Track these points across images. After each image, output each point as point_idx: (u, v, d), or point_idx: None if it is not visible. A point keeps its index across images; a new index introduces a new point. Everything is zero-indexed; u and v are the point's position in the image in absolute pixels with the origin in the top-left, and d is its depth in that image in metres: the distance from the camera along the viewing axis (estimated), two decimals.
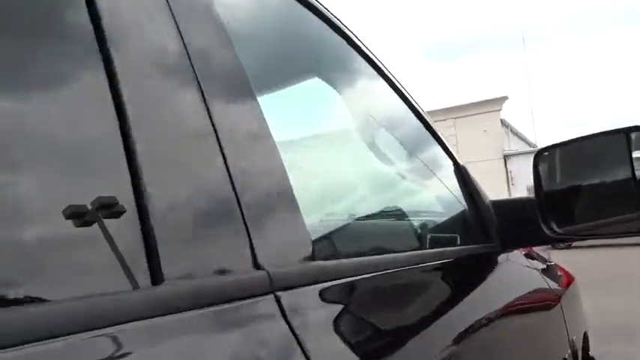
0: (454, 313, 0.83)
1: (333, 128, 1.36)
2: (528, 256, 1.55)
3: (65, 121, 0.40)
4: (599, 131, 1.16)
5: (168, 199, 0.44)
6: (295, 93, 1.35)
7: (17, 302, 0.32)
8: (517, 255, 1.40)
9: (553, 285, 1.51)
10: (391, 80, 1.21)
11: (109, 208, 0.39)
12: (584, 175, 1.18)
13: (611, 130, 1.16)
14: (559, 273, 1.70)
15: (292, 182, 0.58)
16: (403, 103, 1.24)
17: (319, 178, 1.00)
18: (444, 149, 1.31)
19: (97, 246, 0.38)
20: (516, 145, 23.82)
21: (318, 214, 0.88)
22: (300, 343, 0.46)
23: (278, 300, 0.48)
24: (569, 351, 1.44)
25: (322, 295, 0.55)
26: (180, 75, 0.50)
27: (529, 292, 1.27)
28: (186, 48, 0.51)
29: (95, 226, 0.37)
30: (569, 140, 1.20)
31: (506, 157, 21.62)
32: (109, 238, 0.39)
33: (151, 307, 0.38)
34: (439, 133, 1.30)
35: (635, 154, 1.13)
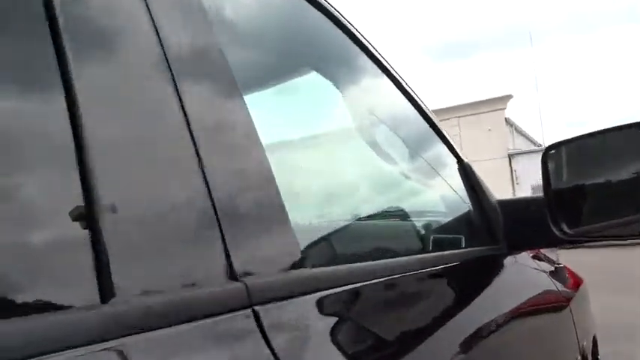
0: (459, 323, 0.77)
1: (330, 126, 1.30)
2: (536, 257, 1.49)
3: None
4: (612, 126, 1.09)
5: (129, 202, 0.38)
6: (292, 89, 1.30)
7: None
8: (524, 257, 1.34)
9: (562, 288, 1.45)
10: (391, 74, 1.15)
11: (70, 215, 0.34)
12: (596, 173, 1.12)
13: (625, 125, 1.09)
14: (568, 275, 1.64)
15: (281, 183, 0.52)
16: (403, 98, 1.18)
17: (313, 178, 0.94)
18: (447, 146, 1.25)
19: (51, 258, 0.33)
20: (521, 144, 23.70)
21: (310, 217, 0.82)
22: None
23: (257, 315, 0.42)
24: (579, 357, 1.38)
25: (309, 308, 0.49)
26: (154, 70, 0.45)
27: (538, 297, 1.20)
28: (160, 40, 0.45)
29: (53, 236, 0.33)
30: (579, 136, 1.13)
31: (510, 156, 21.48)
32: (63, 249, 0.34)
33: (108, 327, 0.33)
34: (442, 130, 1.24)
35: None
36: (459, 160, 1.26)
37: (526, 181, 20.66)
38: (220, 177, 0.45)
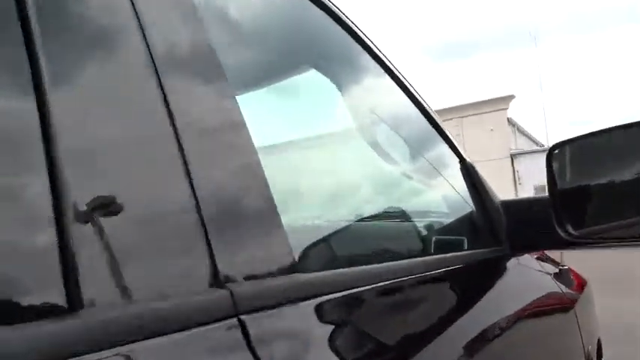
0: (462, 329, 0.74)
1: (329, 125, 1.27)
2: (539, 258, 1.46)
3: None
4: (619, 124, 1.05)
5: (108, 206, 0.35)
6: (292, 88, 1.27)
7: None
8: (528, 259, 1.31)
9: (567, 291, 1.41)
10: (392, 72, 1.12)
11: (45, 221, 0.32)
12: (603, 172, 1.08)
13: (632, 123, 1.06)
14: (572, 277, 1.60)
15: (275, 184, 0.49)
16: (405, 97, 1.15)
17: (310, 178, 0.91)
18: (449, 146, 1.21)
19: (20, 264, 0.30)
20: (523, 145, 23.63)
21: (305, 219, 0.79)
22: None
23: (243, 325, 0.39)
24: None
25: (302, 316, 0.46)
26: (139, 63, 0.42)
27: (542, 300, 1.17)
28: (152, 38, 0.42)
29: (25, 242, 0.31)
30: (585, 135, 1.10)
31: (513, 157, 21.42)
32: (35, 255, 0.31)
33: (81, 339, 0.30)
34: (444, 129, 1.21)
35: None
36: (462, 160, 1.23)
37: (528, 182, 20.59)
38: (206, 177, 0.42)
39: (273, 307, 0.42)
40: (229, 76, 0.52)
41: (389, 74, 1.12)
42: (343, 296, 0.54)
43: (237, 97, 0.54)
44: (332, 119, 1.29)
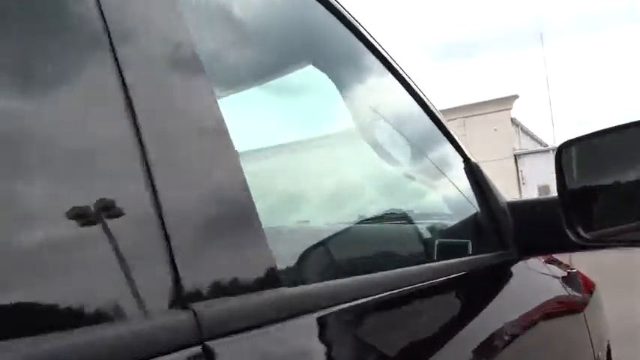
0: (469, 341, 0.68)
1: (326, 124, 1.22)
2: (547, 261, 1.40)
3: None
4: (631, 121, 1.00)
5: (57, 213, 0.30)
6: (290, 87, 1.23)
7: None
8: (536, 262, 1.25)
9: (576, 296, 1.36)
10: (393, 70, 1.07)
11: None
12: (615, 171, 1.02)
13: None
14: (581, 281, 1.54)
15: (256, 188, 0.44)
16: (407, 95, 1.09)
17: (301, 180, 0.85)
18: (453, 145, 1.16)
19: None
20: (527, 145, 23.50)
21: (293, 224, 0.73)
22: None
23: (209, 354, 0.32)
24: None
25: (285, 340, 0.39)
26: (99, 61, 0.37)
27: (552, 308, 1.11)
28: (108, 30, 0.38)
29: None
30: (597, 132, 1.04)
31: (516, 157, 21.30)
32: None
33: None
34: (447, 127, 1.15)
35: None
36: (466, 160, 1.18)
37: (532, 182, 20.46)
38: (171, 180, 0.36)
39: (248, 329, 0.36)
40: (219, 75, 0.48)
41: (390, 71, 1.07)
42: (336, 312, 0.47)
43: (229, 96, 0.50)
44: (331, 118, 1.24)
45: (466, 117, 21.18)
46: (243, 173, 0.43)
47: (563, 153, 1.04)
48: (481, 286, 0.91)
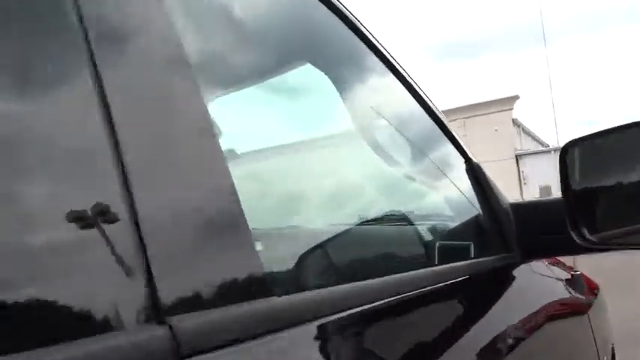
0: (472, 350, 0.65)
1: (324, 124, 1.19)
2: (551, 263, 1.37)
3: None
4: (638, 120, 0.97)
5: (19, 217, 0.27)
6: (288, 86, 1.20)
7: None
8: (539, 265, 1.22)
9: (580, 299, 1.33)
10: (393, 68, 1.04)
11: None
12: (622, 171, 0.99)
13: None
14: (585, 283, 1.51)
15: (251, 188, 0.41)
16: (405, 93, 1.07)
17: (299, 182, 0.82)
18: (454, 145, 1.13)
19: None
20: (528, 145, 23.46)
21: (285, 228, 0.70)
22: None
23: None
24: None
25: (273, 354, 0.36)
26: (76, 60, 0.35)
27: (556, 313, 1.08)
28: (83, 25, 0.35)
29: None
30: (602, 131, 1.01)
31: (518, 157, 21.26)
32: None
33: None
34: (448, 126, 1.12)
35: None
36: (467, 160, 1.15)
37: (534, 182, 20.41)
38: (148, 184, 0.33)
39: (233, 344, 0.33)
40: (213, 75, 0.46)
41: (389, 69, 1.04)
42: (332, 322, 0.44)
43: (225, 96, 0.47)
44: (329, 118, 1.21)
45: (467, 117, 21.15)
46: (230, 175, 0.40)
47: (568, 153, 1.01)
48: (484, 291, 0.88)
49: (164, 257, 0.32)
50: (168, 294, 0.31)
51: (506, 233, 1.09)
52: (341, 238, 0.83)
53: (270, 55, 1.04)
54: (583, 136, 1.04)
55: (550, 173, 20.60)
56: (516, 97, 22.11)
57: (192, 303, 0.32)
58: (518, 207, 1.14)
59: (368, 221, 1.04)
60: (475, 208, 1.12)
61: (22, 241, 0.27)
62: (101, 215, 0.30)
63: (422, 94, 1.07)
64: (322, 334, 0.43)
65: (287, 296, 0.42)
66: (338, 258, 0.73)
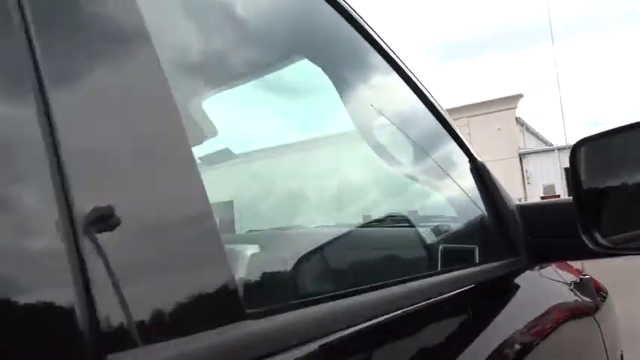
0: None
1: (323, 123, 1.14)
2: (558, 266, 1.31)
3: None
4: None
5: None
6: (287, 84, 1.15)
7: None
8: (547, 269, 1.17)
9: (590, 304, 1.27)
10: (396, 65, 0.99)
11: None
12: (636, 171, 0.93)
13: None
14: (594, 287, 1.45)
15: (238, 190, 0.36)
16: (407, 89, 1.01)
17: (292, 182, 0.76)
18: (458, 144, 1.08)
19: None
20: (532, 144, 23.35)
21: (266, 236, 0.64)
22: None
23: None
24: None
25: None
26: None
27: (565, 321, 1.02)
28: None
29: None
30: (615, 129, 0.95)
31: (521, 156, 21.16)
32: None
33: None
34: (453, 125, 1.07)
35: None
36: (472, 160, 1.09)
37: (537, 181, 20.33)
38: (88, 192, 0.28)
39: None
40: (202, 72, 0.41)
41: (392, 66, 0.99)
42: (326, 344, 0.38)
43: (216, 94, 0.42)
44: (329, 117, 1.16)
45: (470, 116, 21.06)
46: (201, 183, 0.35)
47: (578, 152, 0.95)
48: (491, 301, 0.82)
49: (105, 282, 0.26)
50: (109, 326, 0.25)
51: (512, 236, 1.03)
52: (338, 243, 0.77)
53: (272, 54, 1.00)
54: (594, 135, 0.98)
55: (554, 172, 20.52)
56: (520, 96, 22.01)
57: (137, 336, 0.27)
58: (525, 208, 1.08)
59: (367, 224, 0.98)
60: (480, 210, 1.06)
61: None
62: (34, 225, 0.25)
63: (424, 91, 1.02)
64: None
65: (266, 318, 0.36)
66: (334, 265, 0.67)
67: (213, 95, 1.09)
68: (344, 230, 0.81)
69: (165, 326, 0.28)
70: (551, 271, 1.21)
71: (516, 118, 22.04)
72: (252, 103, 1.14)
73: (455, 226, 1.14)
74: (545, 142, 25.42)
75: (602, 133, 0.98)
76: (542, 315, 0.94)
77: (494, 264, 0.94)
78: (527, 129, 23.68)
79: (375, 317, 0.47)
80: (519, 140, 21.96)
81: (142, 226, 0.30)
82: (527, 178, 20.86)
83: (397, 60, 1.00)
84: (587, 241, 0.92)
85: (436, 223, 1.13)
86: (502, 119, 21.36)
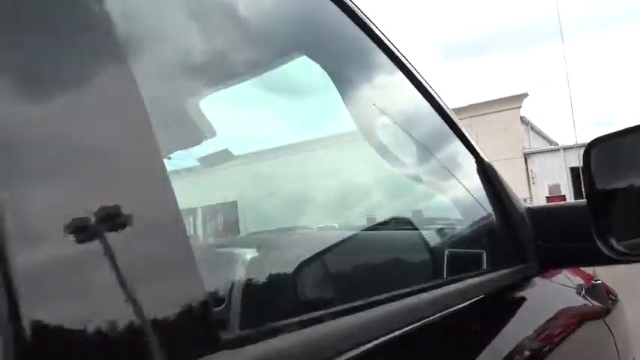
0: None
1: (322, 123, 1.09)
2: (568, 271, 1.26)
3: None
4: None
5: None
6: (286, 83, 1.11)
7: None
8: (558, 275, 1.11)
9: (602, 310, 1.22)
10: (398, 61, 0.94)
11: None
12: None
13: None
14: (606, 293, 1.40)
15: (233, 190, 0.31)
16: (411, 87, 0.96)
17: (292, 184, 0.72)
18: (464, 144, 1.03)
19: None
20: (537, 144, 23.23)
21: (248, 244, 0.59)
22: None
23: None
24: None
25: None
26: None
27: (579, 331, 0.97)
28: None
29: None
30: (631, 128, 0.90)
31: (526, 156, 21.06)
32: None
33: None
34: (458, 124, 1.02)
35: None
36: (479, 161, 1.04)
37: (542, 181, 20.22)
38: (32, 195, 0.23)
39: None
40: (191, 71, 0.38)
41: (395, 64, 0.94)
42: None
43: (213, 93, 0.38)
44: (331, 117, 1.12)
45: (475, 116, 20.98)
46: (169, 188, 0.30)
47: (592, 152, 0.90)
48: (499, 313, 0.76)
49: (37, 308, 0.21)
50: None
51: (522, 241, 0.98)
52: (338, 249, 0.73)
53: (271, 51, 0.96)
54: (607, 134, 0.93)
55: (559, 172, 20.42)
56: (525, 95, 21.91)
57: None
58: (535, 211, 1.03)
59: (370, 228, 0.94)
60: (488, 213, 1.01)
61: None
62: None
63: (429, 90, 0.97)
64: None
65: (244, 347, 0.31)
66: (330, 279, 0.61)
67: (211, 94, 1.05)
68: (342, 237, 0.76)
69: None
70: (562, 276, 1.16)
71: (521, 118, 21.94)
72: (250, 102, 1.10)
73: (461, 230, 1.09)
74: (551, 142, 25.30)
75: (616, 132, 0.93)
76: (555, 326, 0.89)
77: (504, 271, 0.88)
78: (532, 128, 23.58)
79: (377, 337, 0.42)
80: (524, 140, 21.87)
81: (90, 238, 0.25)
82: (532, 178, 20.76)
83: (400, 56, 0.95)
84: (601, 247, 0.87)
85: (441, 227, 1.08)
86: (507, 119, 21.28)
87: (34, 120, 0.26)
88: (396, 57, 0.94)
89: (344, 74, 1.01)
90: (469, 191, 1.04)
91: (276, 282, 0.50)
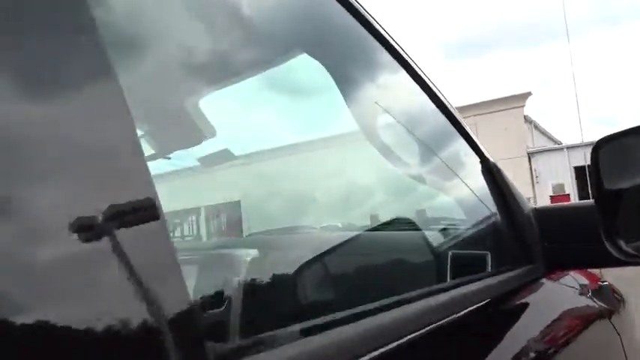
0: None
1: (321, 123, 1.07)
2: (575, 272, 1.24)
3: None
4: None
5: None
6: (286, 82, 1.10)
7: None
8: (564, 277, 1.09)
9: (609, 312, 1.20)
10: (401, 58, 0.92)
11: None
12: None
13: None
14: (613, 294, 1.38)
15: (232, 191, 0.29)
16: (415, 86, 0.94)
17: (293, 184, 0.70)
18: (468, 143, 1.01)
19: None
20: (540, 143, 23.18)
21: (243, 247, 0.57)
22: None
23: None
24: None
25: None
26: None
27: (587, 334, 0.95)
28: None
29: None
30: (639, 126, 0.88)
31: (530, 155, 21.01)
32: None
33: None
34: (462, 123, 1.00)
35: None
36: (483, 160, 1.02)
37: (546, 181, 20.17)
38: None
39: None
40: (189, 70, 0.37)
41: (398, 61, 0.92)
42: None
43: (213, 92, 0.37)
44: (333, 116, 1.10)
45: (478, 115, 20.93)
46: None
47: (601, 151, 0.88)
48: (506, 317, 0.74)
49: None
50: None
51: (528, 242, 0.96)
52: (341, 250, 0.71)
53: (271, 48, 0.95)
54: (617, 132, 0.91)
55: (563, 171, 20.36)
56: (528, 94, 21.86)
57: None
58: (541, 212, 1.01)
59: (373, 228, 0.92)
60: (492, 214, 0.99)
61: None
62: None
63: (433, 88, 0.95)
64: None
65: None
66: (328, 285, 0.60)
67: (212, 92, 1.03)
68: (344, 238, 0.74)
69: None
70: (568, 278, 1.14)
71: (525, 117, 21.89)
72: (251, 101, 1.08)
73: (465, 231, 1.07)
74: (554, 141, 25.24)
75: (624, 131, 0.91)
76: (562, 328, 0.87)
77: (509, 274, 0.86)
78: (536, 127, 23.52)
79: (382, 345, 0.41)
80: (528, 139, 21.81)
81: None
82: (536, 177, 20.72)
83: (403, 54, 0.93)
84: (610, 248, 0.85)
85: (445, 227, 1.06)
86: (510, 118, 21.23)
87: (34, 120, 0.25)
88: (399, 55, 0.93)
89: (346, 72, 0.99)
90: (473, 191, 1.02)
91: (279, 284, 0.48)
